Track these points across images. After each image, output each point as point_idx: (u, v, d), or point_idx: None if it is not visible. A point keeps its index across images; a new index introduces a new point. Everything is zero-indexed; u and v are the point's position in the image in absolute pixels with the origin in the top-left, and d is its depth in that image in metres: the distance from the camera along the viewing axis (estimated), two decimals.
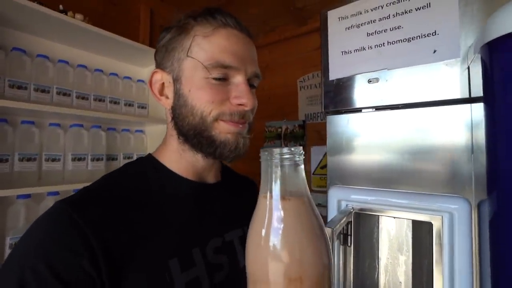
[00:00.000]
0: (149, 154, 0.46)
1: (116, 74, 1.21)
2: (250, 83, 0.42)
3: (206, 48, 0.38)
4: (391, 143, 0.55)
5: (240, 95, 0.39)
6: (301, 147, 0.25)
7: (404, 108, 0.54)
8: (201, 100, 0.39)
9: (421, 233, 0.58)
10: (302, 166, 0.25)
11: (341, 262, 0.59)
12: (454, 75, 0.48)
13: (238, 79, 0.40)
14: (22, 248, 0.32)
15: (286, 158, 0.23)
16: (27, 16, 0.87)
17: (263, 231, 0.23)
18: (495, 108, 0.36)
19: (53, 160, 0.98)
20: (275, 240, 0.23)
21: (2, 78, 0.85)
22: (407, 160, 0.53)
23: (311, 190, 1.55)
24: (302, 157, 0.24)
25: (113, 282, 0.31)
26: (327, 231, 0.43)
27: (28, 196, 0.89)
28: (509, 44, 0.33)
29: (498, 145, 0.36)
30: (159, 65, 0.43)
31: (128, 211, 0.36)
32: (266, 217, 0.24)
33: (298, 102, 1.69)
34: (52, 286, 0.28)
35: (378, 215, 0.60)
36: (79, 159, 1.03)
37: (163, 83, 0.42)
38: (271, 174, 0.24)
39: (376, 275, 0.63)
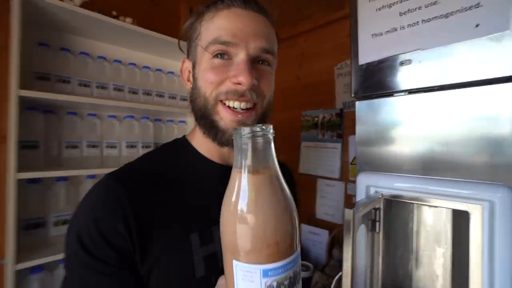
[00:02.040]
0: (184, 136, 0.51)
1: (160, 70, 1.33)
2: (260, 59, 0.42)
3: (209, 29, 0.41)
4: (424, 128, 0.52)
5: (237, 73, 0.39)
6: (271, 126, 0.26)
7: (439, 90, 0.50)
8: (204, 80, 0.40)
9: (462, 225, 0.55)
10: (272, 144, 0.26)
11: (368, 248, 0.59)
12: (501, 50, 0.43)
13: (239, 57, 0.40)
14: (80, 207, 0.40)
15: (255, 135, 0.25)
16: (90, 24, 1.02)
17: (233, 202, 0.25)
18: None
19: (111, 147, 1.14)
20: (244, 209, 0.25)
21: (73, 78, 1.02)
22: (441, 146, 0.50)
23: (349, 181, 1.51)
24: (271, 134, 0.26)
25: (140, 245, 0.37)
26: (348, 212, 0.44)
27: (93, 176, 1.06)
28: None
29: None
30: (187, 54, 0.47)
31: (159, 187, 0.41)
32: (236, 189, 0.26)
33: (335, 90, 1.63)
34: (96, 238, 0.36)
35: (412, 204, 0.58)
36: (132, 147, 1.18)
37: (189, 70, 0.46)
38: (240, 149, 0.26)
39: (409, 266, 0.61)
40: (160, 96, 1.31)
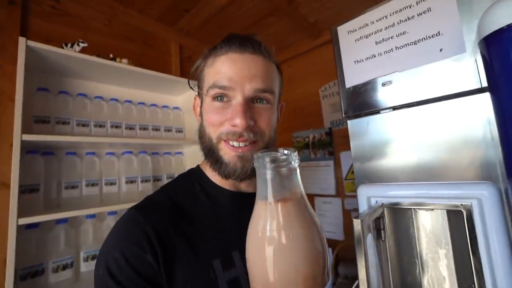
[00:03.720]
0: (198, 166, 0.53)
1: (155, 105, 1.38)
2: (257, 98, 0.44)
3: (209, 74, 0.45)
4: (411, 140, 0.59)
5: (233, 115, 0.42)
6: (296, 151, 0.25)
7: (419, 105, 0.57)
8: (207, 122, 0.45)
9: (459, 224, 0.59)
10: (297, 169, 0.25)
11: (376, 257, 0.61)
12: (463, 68, 0.51)
13: (236, 99, 0.43)
14: (107, 241, 0.41)
15: (280, 164, 0.23)
16: (88, 67, 1.07)
17: (260, 235, 0.24)
18: (499, 97, 0.40)
19: (111, 184, 1.14)
20: (274, 242, 0.23)
21: (72, 119, 1.04)
22: (429, 154, 0.56)
23: (344, 196, 1.55)
24: (297, 160, 0.24)
25: (167, 275, 0.38)
26: (356, 222, 0.47)
27: (93, 216, 1.05)
28: (500, 38, 0.37)
29: (506, 131, 0.39)
30: (197, 92, 0.51)
31: (179, 216, 0.43)
32: (263, 221, 0.24)
33: (322, 111, 1.73)
34: (125, 269, 0.37)
35: (410, 209, 0.62)
36: (131, 182, 1.18)
37: (199, 107, 0.50)
38: (265, 179, 0.24)
39: (417, 271, 0.64)
40: (156, 130, 1.34)
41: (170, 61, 1.60)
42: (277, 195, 0.24)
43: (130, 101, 1.28)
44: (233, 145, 0.43)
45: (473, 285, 0.49)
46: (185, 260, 0.40)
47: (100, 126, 1.14)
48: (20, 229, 0.85)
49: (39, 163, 0.98)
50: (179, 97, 1.56)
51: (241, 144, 0.43)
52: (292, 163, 0.24)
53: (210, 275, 0.40)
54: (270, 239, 0.23)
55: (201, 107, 0.48)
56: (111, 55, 1.14)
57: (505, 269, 0.44)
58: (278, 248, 0.23)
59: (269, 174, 0.24)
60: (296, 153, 0.25)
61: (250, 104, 0.44)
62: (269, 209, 0.24)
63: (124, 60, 1.16)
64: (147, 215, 0.41)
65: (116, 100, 1.23)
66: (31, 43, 0.88)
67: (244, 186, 0.51)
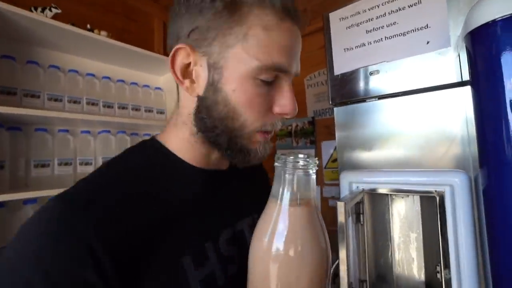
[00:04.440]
0: (153, 138, 0.39)
1: (136, 83, 1.31)
2: None
3: (266, 43, 0.31)
4: (394, 128, 0.61)
5: (286, 103, 0.34)
6: (317, 158, 0.24)
7: (403, 95, 0.60)
8: (247, 107, 0.33)
9: (430, 210, 0.63)
10: (314, 176, 0.24)
11: (354, 239, 0.64)
12: (446, 62, 0.53)
13: (284, 84, 0.35)
14: (13, 256, 0.25)
15: (301, 168, 0.23)
16: (62, 37, 0.98)
17: (269, 236, 0.23)
18: (480, 91, 0.42)
19: (86, 163, 1.08)
20: (280, 245, 0.22)
21: (43, 93, 0.96)
22: (410, 143, 0.59)
23: (324, 184, 1.61)
24: (316, 167, 0.24)
25: (124, 281, 0.27)
26: (340, 205, 0.49)
27: None
28: (486, 33, 0.39)
29: (484, 123, 0.41)
30: (186, 40, 0.33)
31: (134, 207, 0.31)
32: (273, 222, 0.23)
33: (306, 100, 1.75)
34: None
35: (387, 195, 0.66)
36: None
37: (189, 64, 0.34)
38: (284, 181, 0.24)
39: (389, 253, 0.68)
40: (136, 110, 1.28)
41: (152, 38, 1.51)
42: (293, 199, 0.23)
43: (108, 78, 1.20)
44: (266, 132, 0.36)
45: (439, 264, 0.53)
46: (147, 259, 0.29)
47: (75, 102, 1.06)
48: None
49: (4, 138, 0.90)
50: (162, 77, 1.49)
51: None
52: (313, 169, 0.24)
53: (178, 275, 0.31)
54: (278, 245, 0.23)
55: (214, 73, 0.33)
56: (88, 26, 1.05)
57: (468, 247, 0.48)
58: (284, 257, 0.22)
59: (290, 176, 0.23)
60: (317, 160, 0.25)
61: None
62: (282, 211, 0.23)
63: (103, 33, 1.08)
64: (83, 210, 0.27)
65: (93, 75, 1.15)
66: None
67: (222, 164, 0.43)
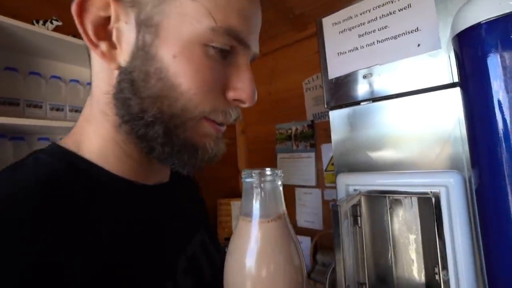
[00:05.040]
0: (58, 146, 0.27)
1: None
2: None
3: (220, 1, 0.24)
4: (389, 130, 0.62)
5: (243, 87, 0.26)
6: (281, 171, 0.24)
7: (397, 97, 0.60)
8: (192, 81, 0.24)
9: (427, 211, 0.63)
10: (281, 188, 0.24)
11: (352, 242, 0.65)
12: (437, 64, 0.54)
13: (241, 62, 0.27)
14: None
15: (268, 180, 0.23)
16: (63, 48, 1.01)
17: (248, 255, 0.22)
18: (468, 92, 0.43)
19: None
20: (258, 263, 0.22)
21: (45, 103, 0.99)
22: (405, 144, 0.60)
23: (324, 187, 1.60)
24: (282, 179, 0.24)
25: None
26: (334, 208, 0.49)
27: None
28: (471, 35, 0.40)
29: (473, 124, 0.42)
30: None
31: (49, 248, 0.20)
32: (250, 241, 0.22)
33: (305, 103, 1.76)
34: None
35: (385, 197, 0.66)
36: None
37: (108, 18, 0.24)
38: (253, 196, 0.23)
39: (389, 255, 0.68)
40: None
41: None
42: (263, 215, 0.23)
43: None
44: (217, 123, 0.28)
45: (437, 265, 0.53)
46: None
47: (76, 111, 1.08)
48: None
49: (7, 148, 0.92)
50: None
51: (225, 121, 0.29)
52: (280, 180, 0.24)
53: None
54: (250, 264, 0.22)
55: (145, 28, 0.23)
56: None
57: (465, 248, 0.48)
58: (259, 276, 0.22)
59: (258, 189, 0.23)
60: (281, 171, 0.24)
61: None
62: (252, 228, 0.22)
63: None
64: None
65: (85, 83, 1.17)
66: None
67: (157, 170, 0.31)
